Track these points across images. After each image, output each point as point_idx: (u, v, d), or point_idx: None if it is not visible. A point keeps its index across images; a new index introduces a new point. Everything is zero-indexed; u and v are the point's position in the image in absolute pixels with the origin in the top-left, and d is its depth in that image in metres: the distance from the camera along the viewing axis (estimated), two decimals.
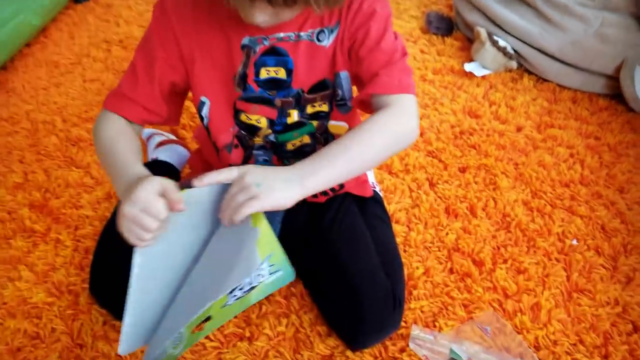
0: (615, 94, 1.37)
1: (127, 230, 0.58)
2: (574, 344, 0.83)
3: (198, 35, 0.70)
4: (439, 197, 1.11)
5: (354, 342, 0.81)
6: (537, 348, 0.83)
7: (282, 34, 0.70)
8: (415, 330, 0.85)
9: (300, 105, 0.75)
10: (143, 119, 0.72)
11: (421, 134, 1.25)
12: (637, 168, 1.17)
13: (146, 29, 0.73)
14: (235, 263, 0.58)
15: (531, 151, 1.21)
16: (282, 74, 0.72)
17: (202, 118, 0.77)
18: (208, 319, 0.61)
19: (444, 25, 1.58)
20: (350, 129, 0.79)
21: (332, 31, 0.71)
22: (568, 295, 0.91)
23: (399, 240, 1.01)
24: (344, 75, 0.74)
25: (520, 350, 0.83)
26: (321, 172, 0.62)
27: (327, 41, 0.71)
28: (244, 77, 0.72)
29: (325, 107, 0.77)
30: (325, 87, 0.75)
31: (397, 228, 1.03)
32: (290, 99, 0.74)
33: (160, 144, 1.15)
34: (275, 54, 0.71)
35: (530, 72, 1.45)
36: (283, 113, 0.75)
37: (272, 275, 0.60)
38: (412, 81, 0.70)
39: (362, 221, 0.88)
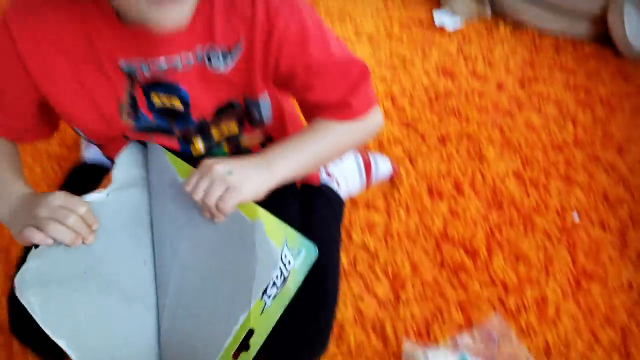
0: (601, 38, 1.22)
1: (42, 228, 0.49)
2: (589, 345, 0.72)
3: (54, 57, 0.52)
4: (420, 175, 0.96)
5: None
6: (548, 353, 0.72)
7: (163, 61, 0.53)
8: (408, 347, 0.72)
9: (204, 132, 0.61)
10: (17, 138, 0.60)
11: (393, 102, 1.08)
12: (634, 123, 1.05)
13: None
14: (250, 263, 0.53)
15: (516, 112, 1.07)
16: (177, 103, 0.56)
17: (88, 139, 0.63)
18: (250, 334, 0.53)
19: None
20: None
21: (229, 55, 0.54)
22: (576, 283, 0.80)
23: (379, 230, 0.86)
24: (263, 101, 0.59)
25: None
26: (290, 159, 0.57)
27: (224, 66, 0.55)
28: (133, 105, 0.56)
29: (234, 128, 0.63)
30: (231, 107, 0.60)
31: (375, 217, 0.88)
32: (191, 128, 0.60)
33: None
34: (162, 85, 0.55)
35: (505, 19, 1.28)
36: (186, 142, 0.61)
37: (298, 257, 0.57)
38: (374, 94, 0.63)
39: (295, 215, 0.73)
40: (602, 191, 0.93)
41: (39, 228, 0.49)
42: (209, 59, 0.54)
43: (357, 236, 0.86)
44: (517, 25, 1.27)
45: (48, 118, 0.61)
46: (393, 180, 0.94)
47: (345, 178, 0.87)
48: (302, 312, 0.62)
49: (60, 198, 0.51)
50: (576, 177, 0.95)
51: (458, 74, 1.15)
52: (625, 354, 0.71)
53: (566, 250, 0.84)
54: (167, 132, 0.59)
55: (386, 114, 1.06)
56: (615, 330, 0.74)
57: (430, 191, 0.94)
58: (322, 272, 0.66)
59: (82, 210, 0.51)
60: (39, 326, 0.49)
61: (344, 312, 0.76)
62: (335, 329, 0.74)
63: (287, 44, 0.53)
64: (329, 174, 0.84)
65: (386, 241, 0.86)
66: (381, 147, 1.01)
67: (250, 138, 0.65)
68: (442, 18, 1.25)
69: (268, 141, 0.67)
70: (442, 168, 0.97)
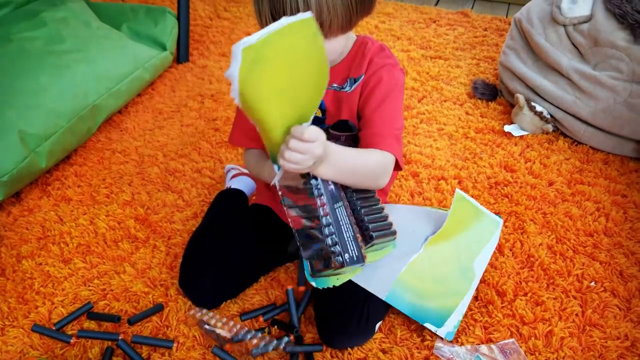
0: None
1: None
2: None
3: None
4: None
5: (325, 340, 0.98)
6: None
7: None
8: (439, 343, 1.00)
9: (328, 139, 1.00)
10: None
11: (459, 182, 1.42)
12: None
13: None
14: None
15: (559, 203, 1.35)
16: (319, 113, 0.99)
17: None
18: None
19: (489, 92, 1.77)
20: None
21: (355, 81, 0.96)
22: (581, 328, 1.02)
23: None
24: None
25: None
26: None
27: (350, 88, 0.97)
28: None
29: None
30: (349, 129, 0.99)
31: None
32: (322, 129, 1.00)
33: (234, 176, 1.41)
34: None
35: (565, 135, 1.59)
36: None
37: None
38: (400, 148, 0.95)
39: None
40: (619, 269, 1.15)
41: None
42: (342, 87, 0.95)
43: None
44: (574, 142, 1.58)
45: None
46: None
47: None
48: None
49: None
50: (599, 256, 1.19)
51: (517, 170, 1.46)
52: None
53: (578, 305, 1.07)
54: None
55: (453, 190, 1.40)
56: None
57: None
58: None
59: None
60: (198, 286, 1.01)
61: (397, 314, 1.06)
62: (387, 323, 1.04)
63: (372, 79, 0.93)
64: None
65: None
66: None
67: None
68: (511, 130, 1.59)
69: None
70: None
